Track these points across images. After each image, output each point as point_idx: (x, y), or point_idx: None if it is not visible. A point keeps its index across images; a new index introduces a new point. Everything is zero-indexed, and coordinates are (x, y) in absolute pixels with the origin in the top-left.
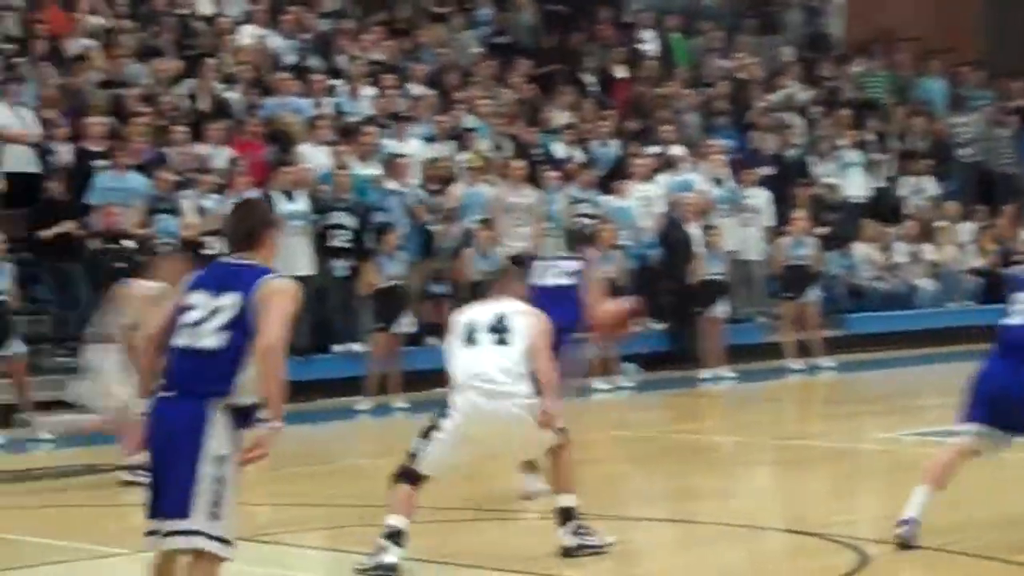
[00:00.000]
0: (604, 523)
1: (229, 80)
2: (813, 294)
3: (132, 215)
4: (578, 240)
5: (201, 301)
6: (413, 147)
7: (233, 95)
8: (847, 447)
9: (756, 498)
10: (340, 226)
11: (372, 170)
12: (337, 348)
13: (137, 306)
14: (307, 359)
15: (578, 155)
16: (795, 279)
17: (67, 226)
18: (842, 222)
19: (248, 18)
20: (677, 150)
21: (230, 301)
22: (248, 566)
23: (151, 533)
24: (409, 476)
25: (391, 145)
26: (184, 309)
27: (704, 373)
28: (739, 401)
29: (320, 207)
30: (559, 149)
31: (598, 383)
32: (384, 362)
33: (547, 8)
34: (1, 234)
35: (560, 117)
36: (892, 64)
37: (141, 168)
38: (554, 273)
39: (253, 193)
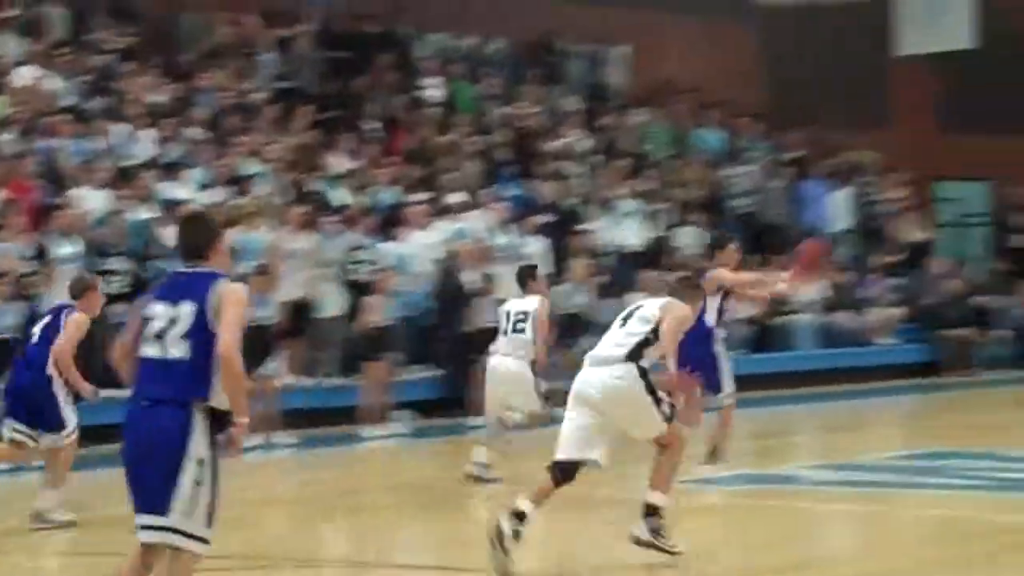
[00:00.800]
0: (375, 572)
1: (4, 122)
2: (586, 343)
3: None
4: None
5: (161, 312)
6: (191, 192)
7: (8, 136)
8: (624, 495)
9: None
10: (116, 271)
11: (149, 214)
12: None
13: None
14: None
15: (359, 201)
16: (570, 327)
17: None
18: (619, 271)
19: (25, 59)
20: (456, 197)
21: (187, 310)
22: None
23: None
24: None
25: (169, 189)
26: (147, 320)
27: (476, 420)
28: (522, 449)
29: (96, 251)
30: (340, 195)
31: (371, 430)
32: None
33: (330, 54)
34: None
35: (341, 163)
36: (671, 115)
37: None
38: None
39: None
